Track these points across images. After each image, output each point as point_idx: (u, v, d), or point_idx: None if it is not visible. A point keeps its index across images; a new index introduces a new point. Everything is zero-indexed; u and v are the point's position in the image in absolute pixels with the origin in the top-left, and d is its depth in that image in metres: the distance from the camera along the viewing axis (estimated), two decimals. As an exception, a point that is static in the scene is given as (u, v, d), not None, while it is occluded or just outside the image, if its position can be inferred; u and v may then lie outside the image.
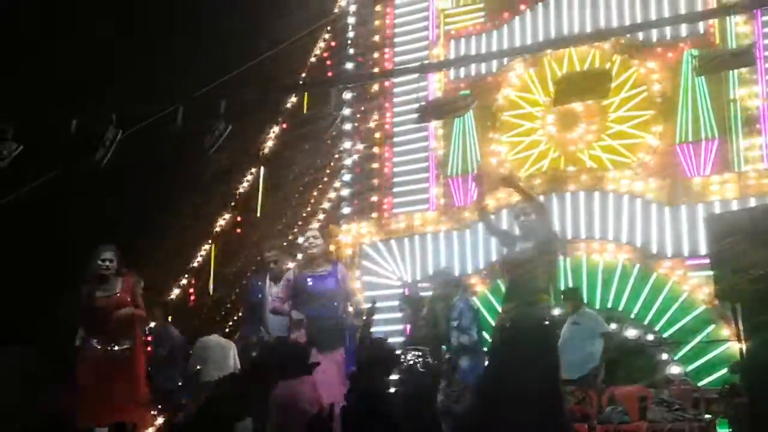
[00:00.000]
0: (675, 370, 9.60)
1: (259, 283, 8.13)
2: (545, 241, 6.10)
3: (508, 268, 6.19)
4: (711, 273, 7.01)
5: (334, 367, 6.83)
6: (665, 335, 10.24)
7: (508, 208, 5.91)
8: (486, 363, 6.63)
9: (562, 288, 9.61)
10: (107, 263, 7.06)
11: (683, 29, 11.51)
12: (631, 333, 9.95)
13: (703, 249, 9.91)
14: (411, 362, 6.81)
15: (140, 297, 7.31)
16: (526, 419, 5.56)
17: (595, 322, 8.77)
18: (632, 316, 10.39)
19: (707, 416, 7.98)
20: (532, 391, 5.62)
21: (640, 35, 11.90)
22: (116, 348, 7.00)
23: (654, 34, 11.86)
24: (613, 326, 9.67)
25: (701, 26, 11.43)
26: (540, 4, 12.59)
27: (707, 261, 7.67)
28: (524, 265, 5.98)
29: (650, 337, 10.03)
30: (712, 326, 10.04)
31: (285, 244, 14.35)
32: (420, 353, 6.94)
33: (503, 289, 6.39)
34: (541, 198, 8.01)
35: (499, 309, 6.54)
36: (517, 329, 5.88)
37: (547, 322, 5.91)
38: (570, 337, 8.74)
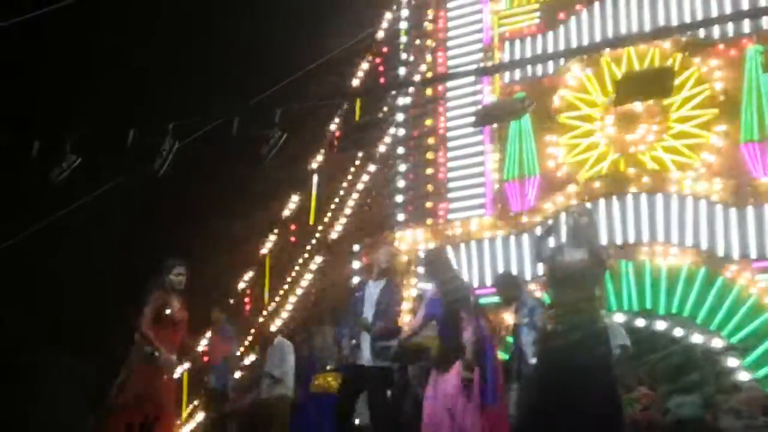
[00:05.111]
0: (743, 376, 9.34)
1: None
2: (597, 251, 6.13)
3: (559, 275, 6.10)
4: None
5: None
6: (732, 341, 9.95)
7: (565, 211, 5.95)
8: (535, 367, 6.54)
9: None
10: (181, 277, 7.00)
11: (746, 25, 11.19)
12: (696, 339, 9.71)
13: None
14: None
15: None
16: (585, 423, 5.48)
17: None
18: (698, 321, 10.10)
19: (780, 423, 7.72)
20: (588, 395, 5.54)
21: (701, 32, 11.58)
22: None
23: (716, 31, 11.54)
24: (680, 332, 9.39)
25: (765, 22, 11.10)
26: (596, 2, 12.31)
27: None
28: (576, 273, 5.90)
29: (718, 342, 9.75)
30: (782, 331, 9.74)
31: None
32: None
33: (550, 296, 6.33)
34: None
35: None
36: (570, 333, 5.79)
37: (600, 325, 5.86)
38: None
